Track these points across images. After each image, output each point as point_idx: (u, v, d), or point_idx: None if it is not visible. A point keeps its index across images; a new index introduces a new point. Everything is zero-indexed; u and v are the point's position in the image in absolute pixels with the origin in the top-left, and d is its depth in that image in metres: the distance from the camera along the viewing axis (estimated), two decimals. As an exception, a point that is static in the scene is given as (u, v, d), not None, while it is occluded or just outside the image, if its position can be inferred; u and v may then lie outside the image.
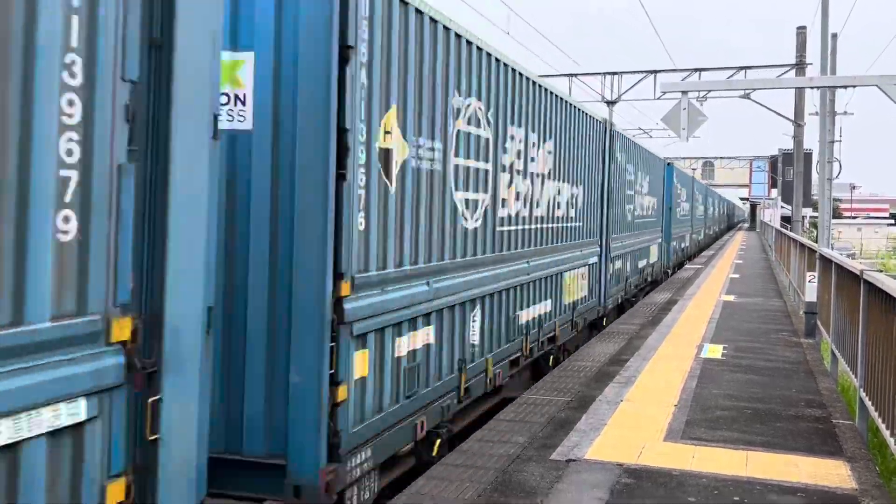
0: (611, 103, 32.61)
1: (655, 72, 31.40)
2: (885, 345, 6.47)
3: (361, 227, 5.40)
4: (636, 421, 7.28)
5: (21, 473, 2.89)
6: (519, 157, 8.82)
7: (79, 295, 3.16)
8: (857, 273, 7.93)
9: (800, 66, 28.58)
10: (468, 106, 7.25)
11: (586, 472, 5.86)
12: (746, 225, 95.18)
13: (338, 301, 5.06)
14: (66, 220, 3.08)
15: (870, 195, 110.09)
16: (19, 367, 2.84)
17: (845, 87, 13.04)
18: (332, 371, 4.98)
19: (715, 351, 10.91)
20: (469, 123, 7.29)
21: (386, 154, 5.72)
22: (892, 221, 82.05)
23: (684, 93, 11.48)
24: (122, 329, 3.31)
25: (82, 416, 3.13)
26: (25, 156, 2.89)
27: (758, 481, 5.74)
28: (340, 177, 5.05)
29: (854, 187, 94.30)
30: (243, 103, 5.04)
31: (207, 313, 3.78)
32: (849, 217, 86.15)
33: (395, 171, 5.88)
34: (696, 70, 29.81)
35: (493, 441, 6.63)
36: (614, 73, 32.74)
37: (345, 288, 5.14)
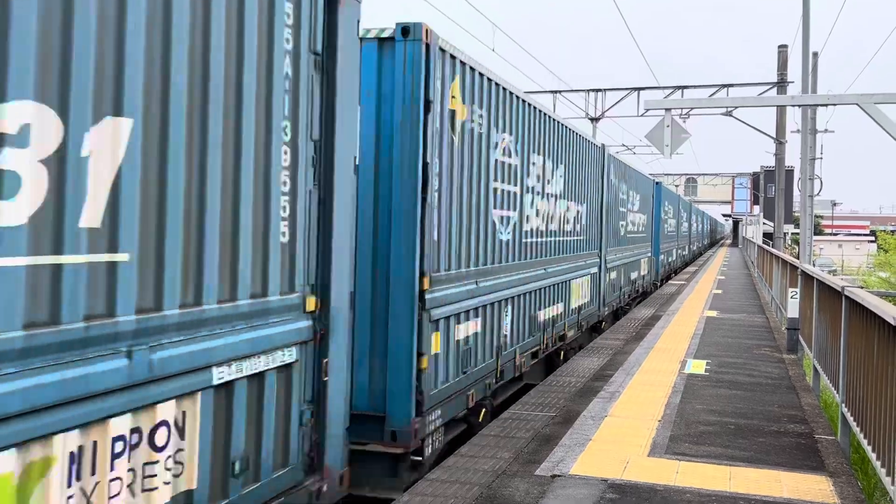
0: (595, 120, 32.80)
1: (639, 89, 31.64)
2: (866, 361, 6.53)
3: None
4: (621, 436, 7.30)
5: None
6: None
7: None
8: (839, 289, 8.01)
9: (781, 85, 28.87)
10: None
11: (571, 488, 5.87)
12: (729, 241, 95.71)
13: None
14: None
15: (851, 212, 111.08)
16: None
17: (826, 105, 13.19)
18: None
19: (698, 366, 10.96)
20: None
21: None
22: (873, 238, 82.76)
23: (667, 110, 11.57)
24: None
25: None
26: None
27: (741, 496, 5.77)
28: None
29: (835, 204, 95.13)
30: None
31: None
32: (830, 234, 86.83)
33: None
34: (679, 87, 30.05)
35: (479, 456, 6.63)
36: (598, 91, 32.96)
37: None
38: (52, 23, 3.03)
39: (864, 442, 6.44)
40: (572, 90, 33.00)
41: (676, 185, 70.56)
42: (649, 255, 23.36)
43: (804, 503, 5.67)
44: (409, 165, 6.60)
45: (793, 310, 12.68)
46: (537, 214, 10.40)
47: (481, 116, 8.10)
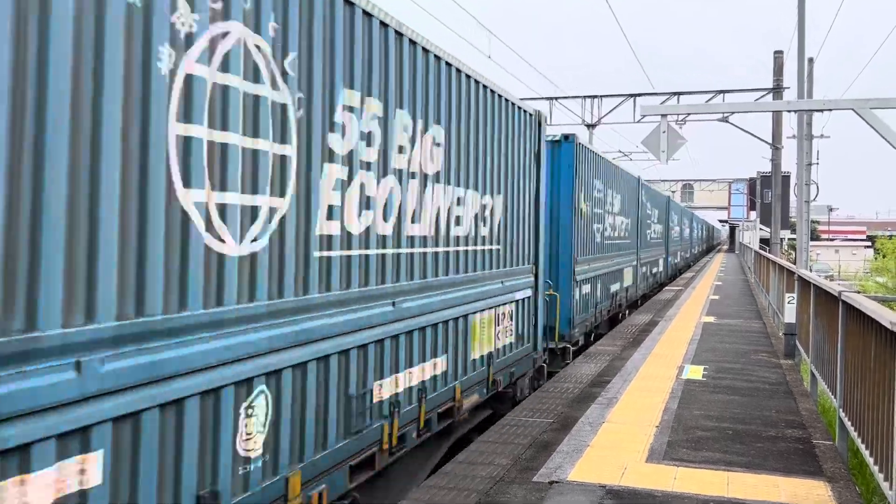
0: (591, 126, 32.84)
1: (635, 95, 31.69)
2: (863, 365, 6.53)
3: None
4: (618, 442, 7.29)
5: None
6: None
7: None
8: (836, 294, 8.01)
9: (777, 90, 28.93)
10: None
11: (569, 494, 5.86)
12: (726, 247, 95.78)
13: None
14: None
15: (847, 217, 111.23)
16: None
17: (822, 110, 13.20)
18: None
19: (696, 372, 10.96)
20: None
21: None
22: (869, 243, 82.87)
23: (663, 116, 11.60)
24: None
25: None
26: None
27: (739, 502, 5.76)
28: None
29: (832, 209, 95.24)
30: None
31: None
32: (827, 239, 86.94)
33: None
34: (675, 94, 30.11)
35: (477, 463, 6.62)
36: (594, 97, 33.00)
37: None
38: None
39: (862, 447, 6.44)
40: (568, 97, 33.05)
41: (673, 191, 70.63)
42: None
43: (802, 508, 5.66)
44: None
45: (790, 315, 12.68)
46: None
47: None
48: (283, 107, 4.88)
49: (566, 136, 13.34)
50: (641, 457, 6.84)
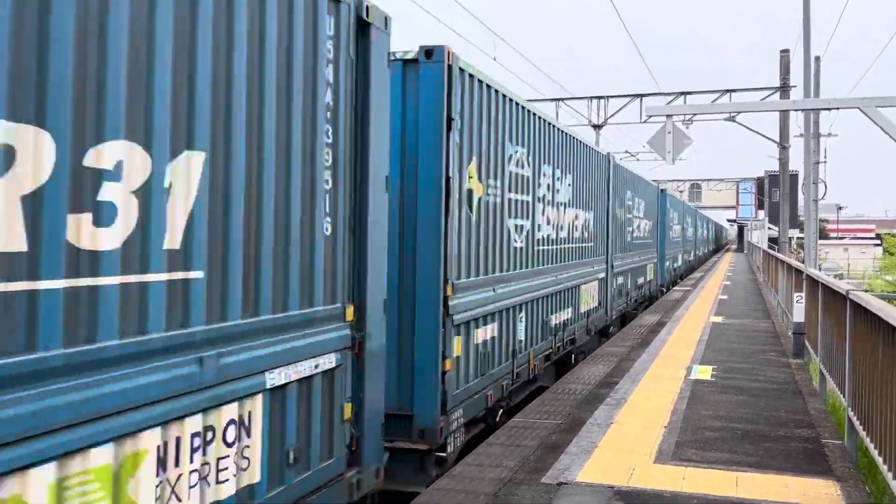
0: (597, 127, 32.82)
1: (641, 95, 31.67)
2: (871, 364, 6.52)
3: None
4: (627, 443, 7.29)
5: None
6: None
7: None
8: (844, 293, 8.00)
9: (784, 89, 28.88)
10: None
11: (577, 495, 5.86)
12: (734, 246, 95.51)
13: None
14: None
15: (855, 216, 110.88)
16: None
17: (828, 109, 13.17)
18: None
19: (704, 372, 10.94)
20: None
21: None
22: (878, 242, 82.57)
23: (669, 116, 11.57)
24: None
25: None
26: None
27: (748, 502, 5.75)
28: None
29: (840, 208, 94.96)
30: None
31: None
32: (835, 238, 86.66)
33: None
34: (681, 94, 30.08)
35: (485, 465, 6.62)
36: (600, 98, 33.00)
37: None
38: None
39: (871, 446, 6.43)
40: (574, 98, 33.06)
41: (681, 191, 70.52)
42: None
43: (811, 508, 5.65)
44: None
45: (798, 314, 12.65)
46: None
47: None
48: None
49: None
50: (650, 457, 6.83)
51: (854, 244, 79.39)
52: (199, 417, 3.83)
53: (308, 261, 4.83)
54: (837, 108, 10.31)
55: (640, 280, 20.61)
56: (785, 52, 29.90)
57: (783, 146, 29.27)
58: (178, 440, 3.66)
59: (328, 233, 5.03)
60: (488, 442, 7.39)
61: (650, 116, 17.58)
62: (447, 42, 7.87)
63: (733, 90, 29.60)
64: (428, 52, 7.02)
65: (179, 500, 3.68)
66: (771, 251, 27.88)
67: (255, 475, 4.29)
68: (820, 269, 16.92)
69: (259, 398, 4.30)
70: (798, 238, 37.92)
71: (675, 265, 30.77)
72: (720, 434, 7.66)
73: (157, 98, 3.55)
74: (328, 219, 5.06)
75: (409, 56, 7.05)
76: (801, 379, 10.66)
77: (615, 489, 5.99)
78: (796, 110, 21.09)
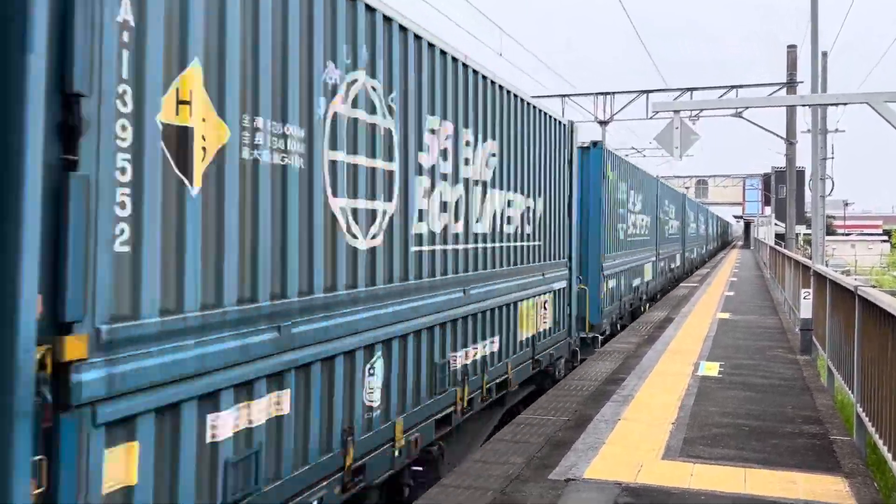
0: (603, 123, 32.76)
1: (647, 91, 31.59)
2: (880, 360, 6.49)
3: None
4: (634, 439, 7.27)
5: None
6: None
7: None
8: (852, 289, 7.96)
9: (791, 85, 28.76)
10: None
11: (585, 492, 5.84)
12: (741, 243, 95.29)
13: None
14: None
15: (862, 212, 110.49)
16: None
17: (836, 104, 13.12)
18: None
19: (711, 368, 10.91)
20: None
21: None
22: (886, 238, 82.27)
23: (676, 112, 11.54)
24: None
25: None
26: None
27: (757, 498, 5.73)
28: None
29: (847, 204, 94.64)
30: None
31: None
32: (842, 234, 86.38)
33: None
34: (687, 89, 29.99)
35: (491, 462, 6.61)
36: (606, 94, 32.92)
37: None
38: None
39: (880, 442, 6.40)
40: (580, 94, 32.99)
41: (687, 188, 70.38)
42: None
43: (820, 504, 5.63)
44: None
45: (806, 310, 12.60)
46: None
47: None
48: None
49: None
50: (657, 454, 6.81)
51: (861, 240, 79.06)
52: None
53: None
54: (845, 104, 10.26)
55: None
56: (792, 48, 29.78)
57: (790, 142, 29.16)
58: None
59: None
60: (495, 439, 7.38)
61: (657, 112, 17.51)
62: (452, 37, 7.82)
63: (740, 86, 29.51)
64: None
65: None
66: (778, 247, 27.79)
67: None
68: (826, 266, 16.84)
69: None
70: (805, 234, 37.76)
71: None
72: (728, 430, 7.64)
73: None
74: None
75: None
76: (809, 375, 10.63)
77: (623, 486, 5.97)
78: (804, 106, 21.01)
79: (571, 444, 7.08)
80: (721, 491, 5.88)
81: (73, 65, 3.25)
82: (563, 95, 32.76)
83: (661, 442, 7.19)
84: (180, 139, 3.93)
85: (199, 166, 4.05)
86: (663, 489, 5.91)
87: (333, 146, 5.35)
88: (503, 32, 24.35)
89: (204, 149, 4.09)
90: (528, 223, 9.86)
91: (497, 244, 8.65)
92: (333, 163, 5.35)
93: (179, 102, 3.91)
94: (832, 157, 28.99)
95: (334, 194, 5.36)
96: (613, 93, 32.89)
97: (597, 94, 33.01)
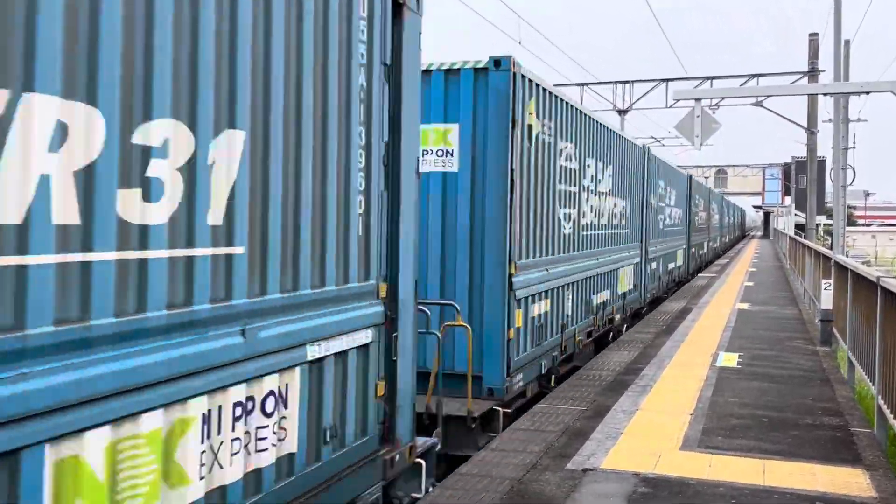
0: (623, 112, 32.58)
1: (667, 80, 31.38)
2: (902, 352, 6.42)
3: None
4: (652, 430, 7.25)
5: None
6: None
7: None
8: (874, 280, 7.88)
9: (812, 73, 28.49)
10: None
11: (602, 482, 5.83)
12: (760, 233, 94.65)
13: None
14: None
15: (884, 202, 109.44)
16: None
17: (859, 93, 12.98)
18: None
19: (730, 359, 10.85)
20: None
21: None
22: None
23: (698, 100, 11.44)
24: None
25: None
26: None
27: (775, 490, 5.70)
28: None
29: (868, 194, 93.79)
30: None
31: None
32: (863, 224, 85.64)
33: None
34: (707, 78, 29.77)
35: (509, 450, 6.61)
36: (626, 83, 32.74)
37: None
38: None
39: (902, 435, 6.34)
40: (600, 83, 32.82)
41: (706, 177, 69.96)
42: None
43: (840, 497, 5.59)
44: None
45: (826, 301, 12.51)
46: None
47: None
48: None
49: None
50: (675, 444, 6.79)
51: (882, 231, 78.31)
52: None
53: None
54: (869, 92, 10.14)
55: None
56: (814, 36, 29.49)
57: (811, 131, 28.90)
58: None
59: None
60: (512, 427, 7.37)
61: (677, 101, 17.38)
62: (475, 27, 7.85)
63: (760, 74, 29.25)
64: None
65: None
66: (798, 238, 27.59)
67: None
68: (847, 256, 16.71)
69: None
70: (825, 224, 37.47)
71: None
72: (747, 421, 7.60)
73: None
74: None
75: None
76: (829, 366, 10.55)
77: (641, 476, 5.95)
78: (827, 94, 20.80)
79: (589, 434, 7.07)
80: (740, 482, 5.85)
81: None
82: (582, 84, 32.61)
83: (679, 433, 7.16)
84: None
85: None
86: (681, 480, 5.89)
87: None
88: (522, 20, 24.22)
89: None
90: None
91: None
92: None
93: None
94: (853, 147, 28.71)
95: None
96: (632, 81, 32.70)
97: (616, 82, 32.83)
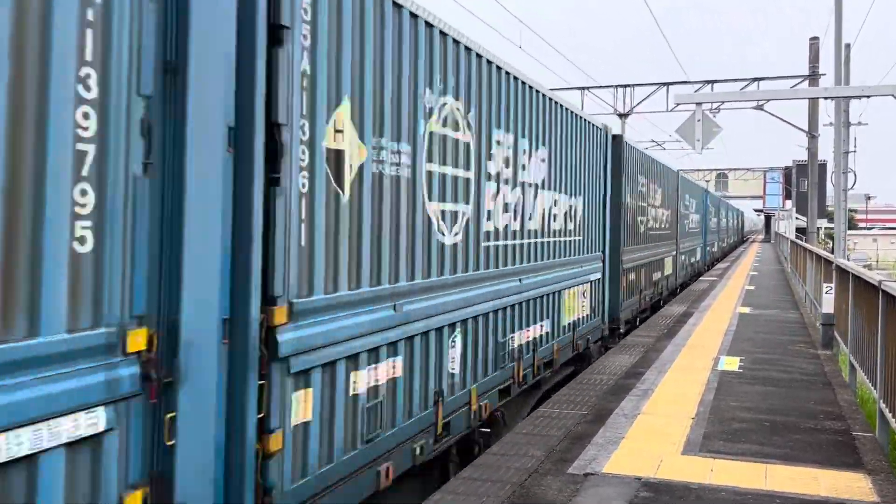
0: (623, 116, 32.60)
1: (668, 84, 31.39)
2: (904, 356, 6.42)
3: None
4: (654, 434, 7.24)
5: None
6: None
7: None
8: (875, 283, 7.88)
9: (813, 77, 28.51)
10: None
11: (604, 486, 5.82)
12: (761, 237, 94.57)
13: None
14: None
15: (885, 206, 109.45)
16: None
17: (859, 97, 13.00)
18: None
19: (732, 363, 10.84)
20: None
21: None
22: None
23: (699, 104, 11.44)
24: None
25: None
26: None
27: (777, 495, 5.69)
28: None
29: (869, 198, 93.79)
30: None
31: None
32: (864, 228, 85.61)
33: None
34: (708, 82, 29.77)
35: (510, 454, 6.60)
36: (626, 86, 32.75)
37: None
38: None
39: (904, 439, 6.34)
40: (600, 86, 32.84)
41: (707, 181, 69.94)
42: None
43: (842, 501, 5.58)
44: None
45: (827, 305, 12.50)
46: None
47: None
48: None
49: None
50: (677, 449, 6.78)
51: (883, 234, 78.28)
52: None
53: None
54: (870, 96, 10.15)
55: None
56: (814, 40, 29.51)
57: (812, 135, 28.91)
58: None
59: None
60: (514, 431, 7.37)
61: (678, 105, 17.38)
62: (476, 33, 7.79)
63: (761, 78, 29.24)
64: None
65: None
66: (799, 241, 27.58)
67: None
68: (848, 260, 16.72)
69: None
70: (826, 228, 37.49)
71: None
72: (748, 426, 7.59)
73: None
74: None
75: None
76: (831, 370, 10.54)
77: (643, 480, 5.95)
78: (828, 98, 20.82)
79: (591, 438, 7.06)
80: (742, 487, 5.84)
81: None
82: (583, 88, 32.62)
83: (681, 437, 7.15)
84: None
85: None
86: (683, 484, 5.88)
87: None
88: (523, 24, 24.25)
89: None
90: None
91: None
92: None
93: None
94: (855, 151, 28.71)
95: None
96: (633, 85, 32.72)
97: (616, 86, 32.85)
